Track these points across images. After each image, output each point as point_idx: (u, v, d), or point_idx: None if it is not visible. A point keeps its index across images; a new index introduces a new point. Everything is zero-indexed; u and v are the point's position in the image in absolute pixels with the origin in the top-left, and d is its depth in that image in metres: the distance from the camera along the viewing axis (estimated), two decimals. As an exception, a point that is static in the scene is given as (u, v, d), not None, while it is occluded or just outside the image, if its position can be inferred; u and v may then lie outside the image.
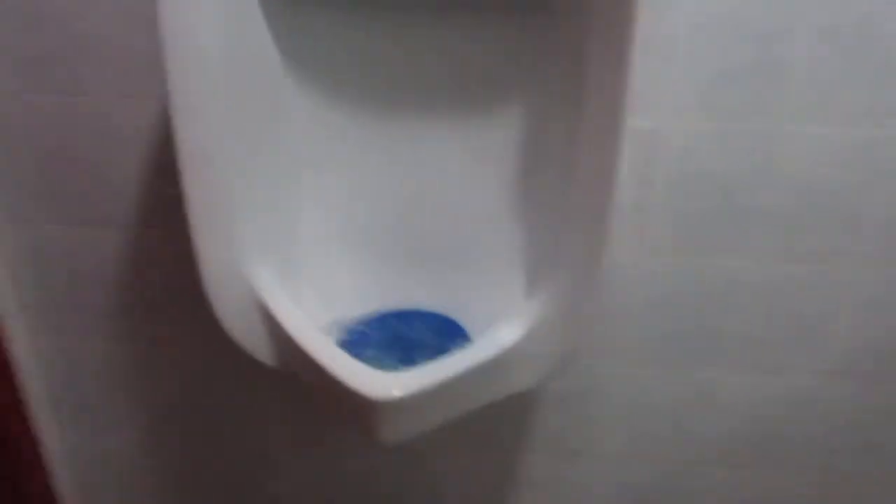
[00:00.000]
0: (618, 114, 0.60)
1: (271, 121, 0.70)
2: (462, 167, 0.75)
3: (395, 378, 0.62)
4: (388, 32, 0.69)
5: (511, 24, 0.68)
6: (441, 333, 0.78)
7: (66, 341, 0.98)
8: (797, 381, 0.92)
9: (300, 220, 0.76)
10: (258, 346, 0.72)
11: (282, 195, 0.74)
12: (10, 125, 0.83)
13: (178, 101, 0.60)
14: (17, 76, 0.79)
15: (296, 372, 0.70)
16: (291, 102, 0.71)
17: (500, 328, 0.68)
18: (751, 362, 0.91)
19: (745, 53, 0.74)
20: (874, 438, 0.96)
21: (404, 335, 0.78)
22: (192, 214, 0.65)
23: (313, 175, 0.75)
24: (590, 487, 1.05)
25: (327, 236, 0.78)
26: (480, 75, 0.71)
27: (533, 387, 0.71)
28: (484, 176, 0.75)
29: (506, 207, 0.75)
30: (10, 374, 0.94)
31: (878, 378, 0.91)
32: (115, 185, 0.85)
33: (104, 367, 1.00)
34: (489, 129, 0.73)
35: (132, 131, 0.81)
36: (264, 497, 1.11)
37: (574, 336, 0.68)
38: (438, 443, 1.01)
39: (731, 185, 0.80)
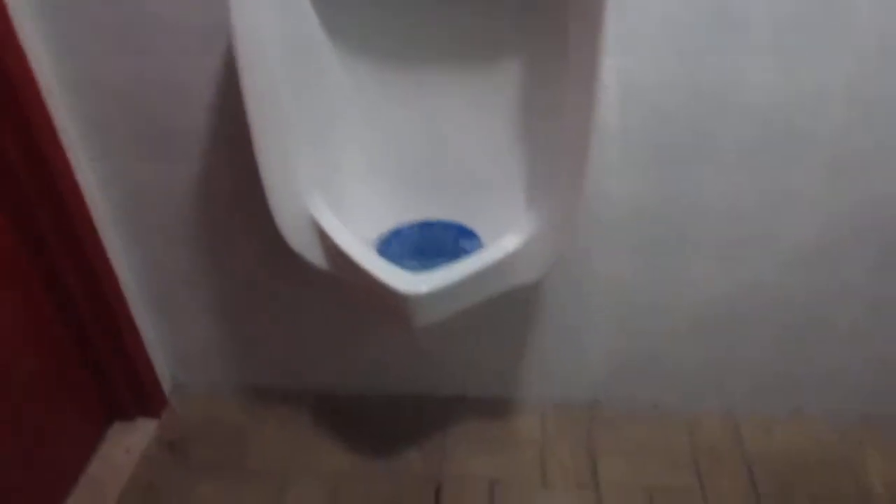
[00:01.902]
0: (595, 59, 0.74)
1: (314, 75, 0.86)
2: (470, 110, 0.90)
3: (422, 277, 0.81)
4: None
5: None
6: (459, 238, 0.97)
7: (153, 251, 1.18)
8: (756, 269, 1.10)
9: (341, 157, 0.93)
10: (314, 255, 0.91)
11: (325, 137, 0.90)
12: (99, 82, 0.98)
13: (242, 59, 0.76)
14: (102, 42, 0.94)
15: (342, 275, 0.90)
16: (328, 59, 0.86)
17: (505, 236, 0.86)
18: (717, 256, 1.09)
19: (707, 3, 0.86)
20: (819, 314, 1.15)
21: (430, 240, 0.97)
22: (259, 151, 0.82)
23: (348, 121, 0.91)
24: (586, 355, 1.26)
25: (363, 169, 0.95)
26: (483, 34, 0.84)
27: (534, 281, 0.90)
28: (489, 117, 0.90)
29: (509, 140, 0.91)
30: (112, 275, 1.16)
31: (824, 267, 1.09)
32: (184, 127, 1.02)
33: (187, 269, 1.21)
34: (492, 79, 0.88)
35: (194, 84, 0.97)
36: (314, 371, 1.35)
37: (565, 241, 0.86)
38: (459, 327, 1.20)
39: (700, 113, 0.94)
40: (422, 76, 0.88)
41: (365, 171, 0.96)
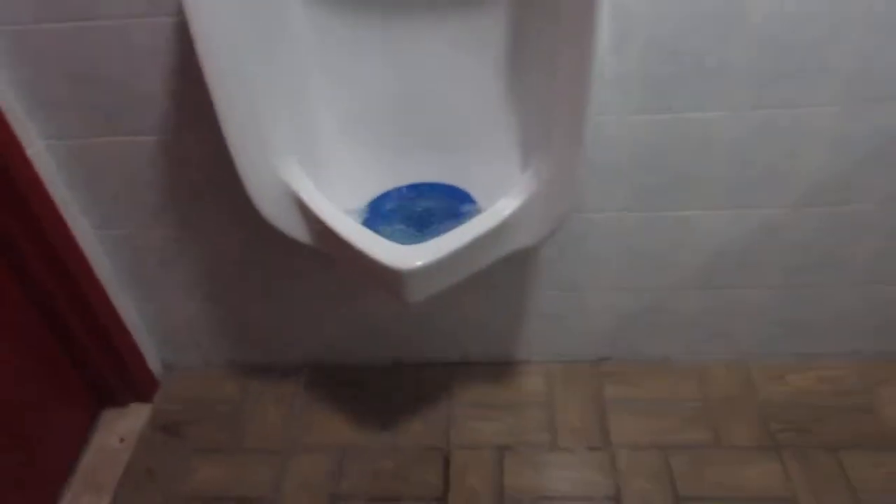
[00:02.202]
0: None
1: (280, 32, 0.77)
2: (456, 59, 0.82)
3: (415, 249, 0.74)
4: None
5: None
6: (452, 199, 0.90)
7: (125, 232, 1.11)
8: (766, 214, 1.03)
9: (317, 119, 0.85)
10: (296, 229, 0.84)
11: (297, 96, 0.82)
12: (37, 53, 0.89)
13: (196, 26, 0.67)
14: (33, 5, 0.85)
15: (327, 249, 0.83)
16: (295, 14, 0.77)
17: (501, 199, 0.79)
18: (724, 202, 1.02)
19: None
20: (831, 254, 1.09)
21: (421, 204, 0.90)
22: (225, 124, 0.74)
23: (323, 79, 0.82)
24: (589, 310, 1.21)
25: (343, 131, 0.87)
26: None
27: (533, 245, 0.84)
28: (476, 66, 0.82)
29: (499, 92, 0.83)
30: (83, 261, 1.09)
31: (836, 204, 1.02)
32: (145, 97, 0.93)
33: (163, 246, 1.14)
34: (478, 23, 0.79)
35: (151, 47, 0.87)
36: (307, 342, 1.30)
37: (566, 200, 0.79)
38: (456, 288, 1.15)
39: (702, 47, 0.85)
40: (398, 23, 0.79)
41: (344, 132, 0.88)
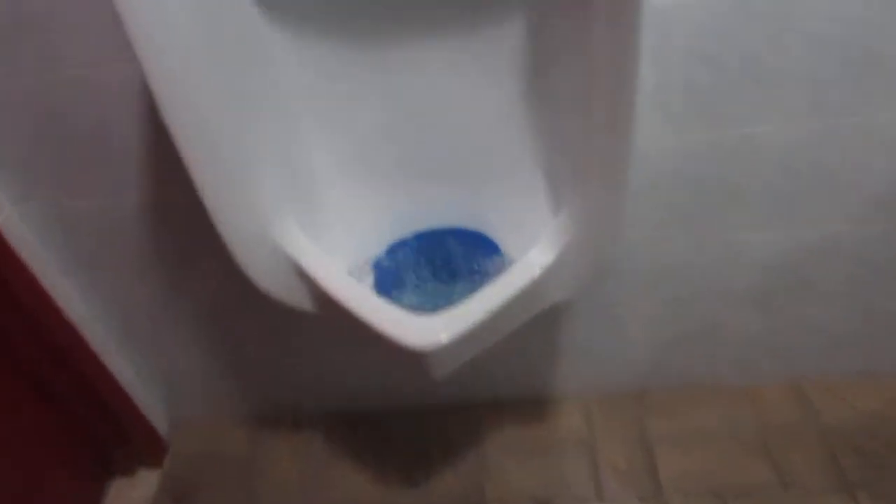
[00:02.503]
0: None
1: (259, 74, 0.65)
2: (467, 81, 0.70)
3: (438, 322, 0.63)
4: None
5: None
6: (474, 248, 0.79)
7: (113, 292, 1.01)
8: (827, 230, 0.91)
9: (313, 165, 0.74)
10: (298, 298, 0.73)
11: (289, 145, 0.71)
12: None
13: (157, 85, 0.56)
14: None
15: (337, 320, 0.73)
16: (274, 49, 0.66)
17: (532, 250, 0.68)
18: (779, 218, 0.90)
19: None
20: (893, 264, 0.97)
21: (439, 255, 0.78)
22: (201, 187, 0.63)
23: (315, 119, 0.71)
24: (628, 338, 1.10)
25: (344, 175, 0.76)
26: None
27: (568, 300, 0.73)
28: (492, 87, 0.70)
29: (520, 120, 0.71)
30: (68, 325, 0.99)
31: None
32: (120, 149, 0.82)
33: (154, 303, 1.04)
34: (491, 36, 0.66)
35: (121, 94, 0.77)
36: (322, 389, 1.19)
37: (607, 249, 0.68)
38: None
39: (752, 50, 0.73)
40: (398, 49, 0.67)
41: (345, 177, 0.77)
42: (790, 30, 0.72)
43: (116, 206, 0.90)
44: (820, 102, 0.78)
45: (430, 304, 0.74)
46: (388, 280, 0.77)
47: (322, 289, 0.68)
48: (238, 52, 0.62)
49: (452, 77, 0.69)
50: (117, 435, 1.12)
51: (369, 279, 0.76)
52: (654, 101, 0.78)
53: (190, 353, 1.12)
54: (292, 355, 1.13)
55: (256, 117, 0.66)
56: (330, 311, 0.72)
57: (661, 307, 1.04)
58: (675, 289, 1.01)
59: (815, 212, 0.89)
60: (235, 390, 1.20)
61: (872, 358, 1.12)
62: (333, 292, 0.67)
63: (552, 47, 0.64)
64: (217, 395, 1.21)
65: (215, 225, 0.66)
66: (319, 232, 0.73)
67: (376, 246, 0.79)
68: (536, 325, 1.06)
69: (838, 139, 0.81)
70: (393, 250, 0.79)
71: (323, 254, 0.69)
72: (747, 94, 0.77)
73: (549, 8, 0.62)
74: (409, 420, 1.20)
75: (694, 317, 1.06)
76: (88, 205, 0.89)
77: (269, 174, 0.68)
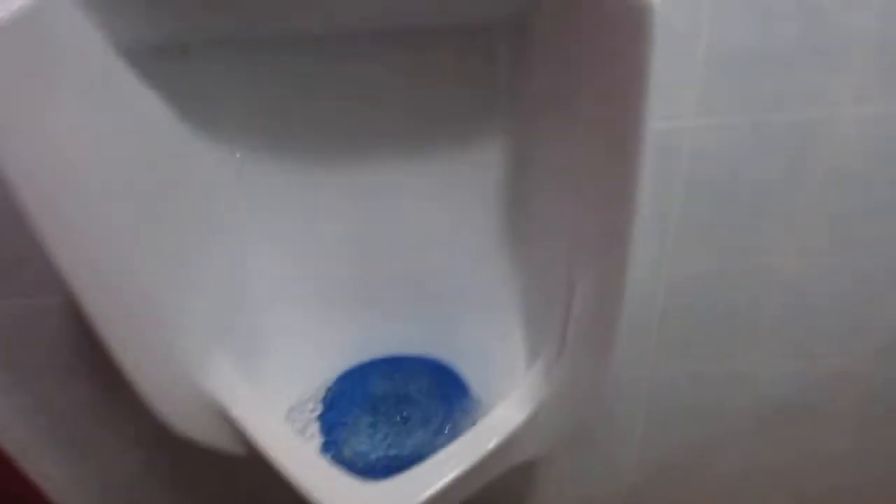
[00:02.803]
0: (633, 125, 0.42)
1: (185, 191, 0.56)
2: (438, 206, 0.61)
3: (390, 493, 0.53)
4: (314, 67, 0.53)
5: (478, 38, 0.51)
6: (434, 381, 0.69)
7: (35, 403, 0.90)
8: (836, 362, 0.83)
9: (259, 292, 0.64)
10: (228, 443, 0.63)
11: (229, 270, 0.61)
12: None
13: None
14: None
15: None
16: (209, 162, 0.56)
17: (503, 407, 0.58)
18: (786, 352, 0.81)
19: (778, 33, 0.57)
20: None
21: (397, 389, 0.68)
22: (109, 340, 0.52)
23: (257, 240, 0.61)
24: (611, 467, 0.99)
25: (295, 300, 0.66)
26: (444, 100, 0.55)
27: (541, 456, 0.63)
28: (466, 216, 0.61)
29: (495, 250, 0.62)
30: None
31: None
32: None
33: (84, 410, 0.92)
34: (468, 161, 0.58)
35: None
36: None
37: (587, 405, 0.58)
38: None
39: (767, 180, 0.65)
40: (351, 167, 0.58)
41: (295, 302, 0.67)
42: (804, 164, 0.64)
43: (41, 308, 0.79)
44: (835, 236, 0.70)
45: (382, 452, 0.64)
46: (337, 419, 0.66)
47: (255, 445, 0.57)
48: (157, 167, 0.53)
49: (422, 201, 0.61)
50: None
51: (315, 418, 0.65)
52: (647, 227, 0.69)
53: (126, 459, 1.01)
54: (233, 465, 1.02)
55: (181, 241, 0.56)
56: (266, 464, 0.61)
57: (655, 434, 0.94)
58: (671, 419, 0.91)
59: (823, 346, 0.81)
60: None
61: (868, 480, 1.02)
62: (268, 452, 0.56)
63: (536, 178, 0.55)
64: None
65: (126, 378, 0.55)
66: (260, 365, 0.63)
67: (328, 375, 0.68)
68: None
69: (859, 273, 0.73)
70: (346, 381, 0.69)
71: (257, 401, 0.59)
72: (760, 227, 0.69)
73: (533, 134, 0.53)
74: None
75: (685, 449, 0.96)
76: (7, 304, 0.79)
77: (198, 306, 0.58)
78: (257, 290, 0.63)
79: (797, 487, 1.03)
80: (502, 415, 0.58)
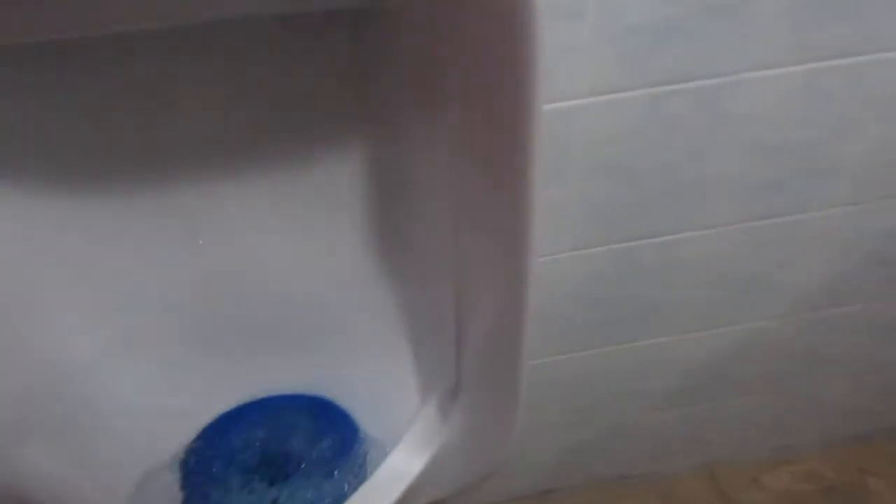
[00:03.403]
0: (523, 133, 0.33)
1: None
2: (285, 230, 0.49)
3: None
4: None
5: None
6: (314, 420, 0.58)
7: None
8: (748, 328, 0.80)
9: (70, 365, 0.50)
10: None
11: (21, 350, 0.47)
12: None
13: None
14: None
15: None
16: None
17: (397, 455, 0.49)
18: (698, 324, 0.77)
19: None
20: (816, 350, 0.87)
21: (270, 438, 0.58)
22: None
23: (65, 301, 0.48)
24: (527, 451, 0.94)
25: (127, 354, 0.53)
26: (291, 102, 0.43)
27: (449, 496, 0.55)
28: (318, 233, 0.50)
29: (361, 269, 0.52)
30: None
31: (826, 309, 0.80)
32: None
33: None
34: (306, 173, 0.46)
35: None
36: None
37: (497, 446, 0.50)
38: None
39: (673, 161, 0.58)
40: (178, 191, 0.45)
41: (128, 356, 0.54)
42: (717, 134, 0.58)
43: None
44: (739, 210, 0.64)
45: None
46: (203, 483, 0.55)
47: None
48: None
49: (273, 225, 0.49)
50: None
51: (178, 488, 0.54)
52: (550, 218, 0.61)
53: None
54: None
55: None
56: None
57: (569, 414, 0.89)
58: (583, 396, 0.86)
59: (739, 314, 0.77)
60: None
61: (781, 437, 1.04)
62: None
63: (409, 194, 0.45)
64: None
65: None
66: (90, 445, 0.51)
67: (185, 435, 0.57)
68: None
69: (766, 242, 0.69)
70: (210, 438, 0.57)
71: (84, 491, 0.47)
72: (662, 208, 0.62)
73: (402, 139, 0.43)
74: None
75: (602, 419, 0.92)
76: None
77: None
78: (71, 355, 0.49)
79: (709, 454, 1.03)
80: (399, 462, 0.49)
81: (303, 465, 0.56)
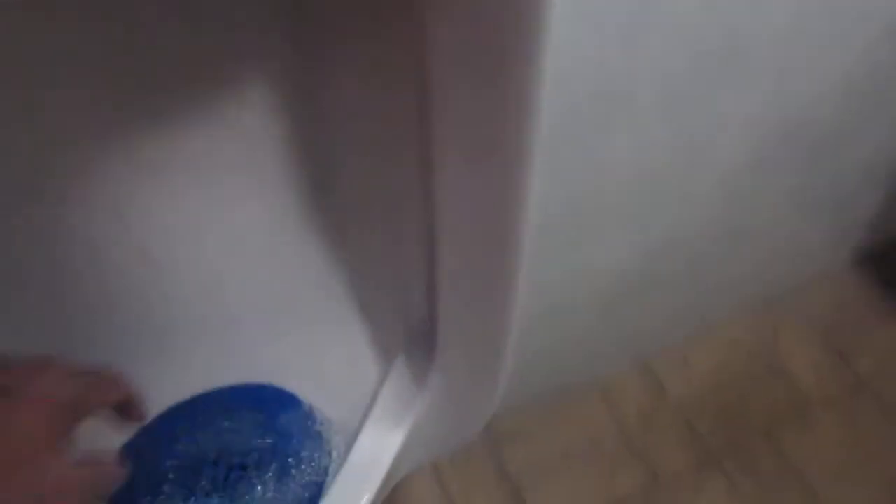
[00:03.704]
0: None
1: None
2: (191, 185, 0.39)
3: None
4: None
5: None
6: (254, 407, 0.50)
7: None
8: (672, 224, 0.78)
9: None
10: None
11: None
12: None
13: None
14: None
15: None
16: None
17: (367, 435, 0.43)
18: (626, 225, 0.75)
19: None
20: (737, 229, 0.89)
21: (208, 439, 0.49)
22: None
23: None
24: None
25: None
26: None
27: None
28: (235, 190, 0.40)
29: (288, 228, 0.42)
30: None
31: (750, 184, 0.80)
32: None
33: None
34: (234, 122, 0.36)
35: None
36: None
37: (483, 403, 0.45)
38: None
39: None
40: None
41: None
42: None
43: None
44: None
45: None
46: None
47: None
48: None
49: (178, 183, 0.38)
50: None
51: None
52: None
53: None
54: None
55: None
56: None
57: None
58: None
59: (660, 223, 0.75)
60: None
61: (703, 319, 1.07)
62: None
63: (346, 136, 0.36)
64: None
65: None
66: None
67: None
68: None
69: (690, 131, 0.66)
70: (134, 453, 0.48)
71: None
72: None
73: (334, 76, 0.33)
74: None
75: (534, 337, 0.89)
76: None
77: None
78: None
79: (640, 350, 1.05)
80: (373, 441, 0.43)
81: (252, 462, 0.48)
